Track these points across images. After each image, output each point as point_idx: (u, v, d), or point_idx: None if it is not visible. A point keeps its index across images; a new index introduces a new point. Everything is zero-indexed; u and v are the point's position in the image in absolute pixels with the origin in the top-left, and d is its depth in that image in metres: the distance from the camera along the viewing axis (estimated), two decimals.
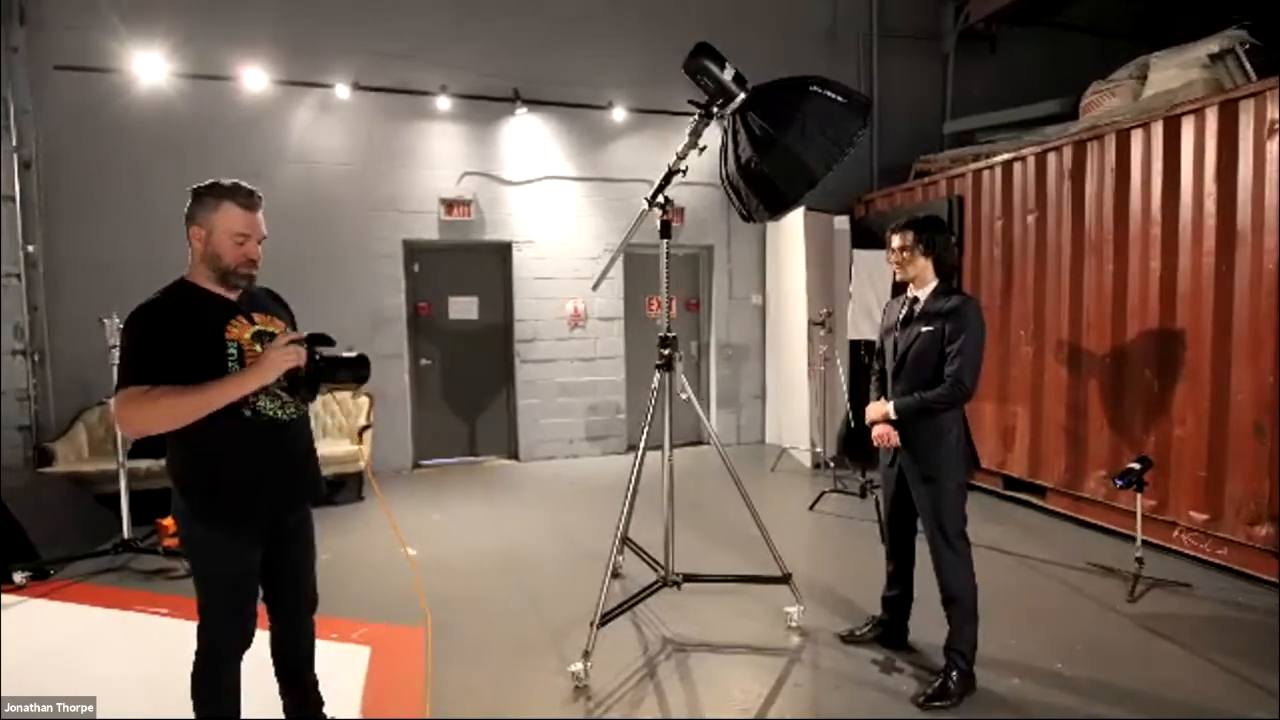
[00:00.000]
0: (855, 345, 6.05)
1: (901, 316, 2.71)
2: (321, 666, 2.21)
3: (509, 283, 6.51)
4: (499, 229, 6.39)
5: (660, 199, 2.83)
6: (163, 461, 1.94)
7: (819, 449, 6.04)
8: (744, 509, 3.12)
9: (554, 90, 6.38)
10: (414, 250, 6.31)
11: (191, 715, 1.92)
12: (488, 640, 3.03)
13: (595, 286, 3.31)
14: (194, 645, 1.90)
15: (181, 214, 1.85)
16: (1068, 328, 4.53)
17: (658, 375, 3.01)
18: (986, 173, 5.20)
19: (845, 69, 7.04)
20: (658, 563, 3.16)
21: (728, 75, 2.50)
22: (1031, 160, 4.78)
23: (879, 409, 2.68)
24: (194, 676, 1.90)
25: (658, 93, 6.45)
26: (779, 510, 4.87)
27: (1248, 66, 4.07)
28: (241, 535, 1.86)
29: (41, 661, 2.88)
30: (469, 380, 6.60)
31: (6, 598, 3.48)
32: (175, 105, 5.51)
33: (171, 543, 3.84)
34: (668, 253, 3.01)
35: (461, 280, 6.53)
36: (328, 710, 2.21)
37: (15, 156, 5.22)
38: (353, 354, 1.89)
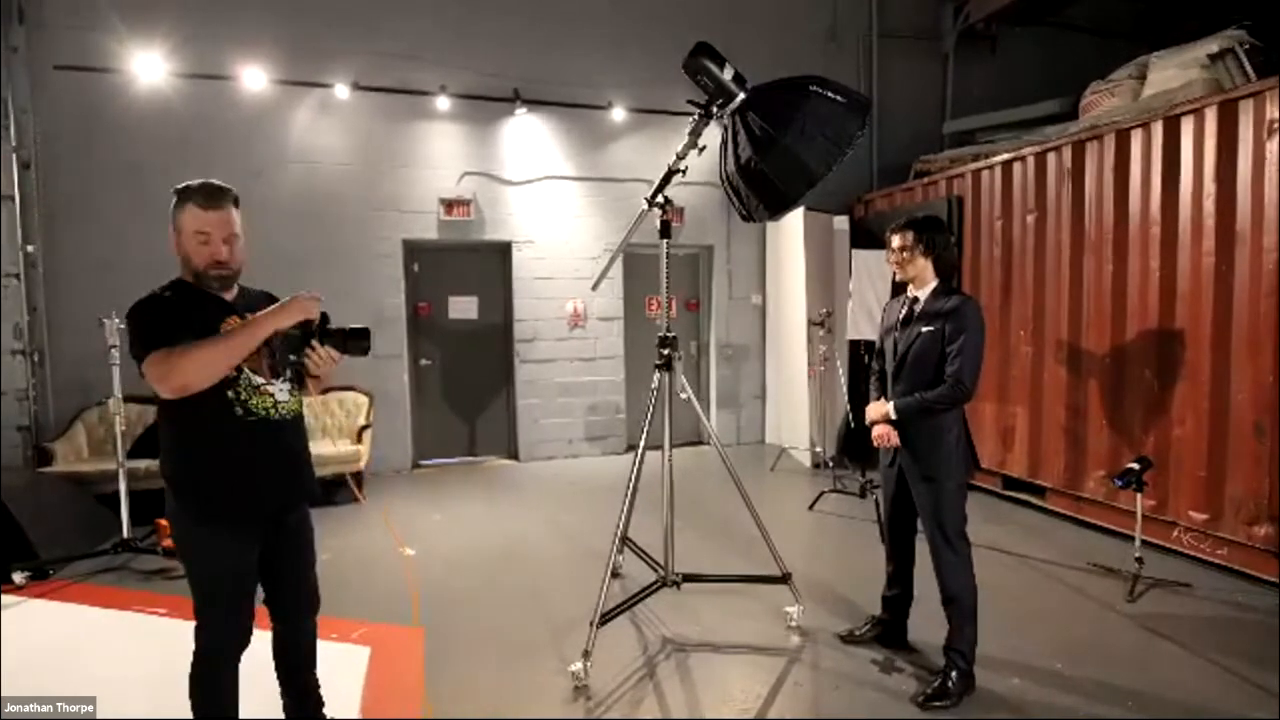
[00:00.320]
0: (855, 345, 6.05)
1: (901, 317, 2.71)
2: (321, 666, 2.21)
3: (509, 283, 6.51)
4: (499, 229, 6.39)
5: (660, 199, 2.83)
6: None
7: (819, 449, 6.04)
8: (744, 509, 3.12)
9: (554, 90, 6.38)
10: (414, 250, 6.31)
11: (190, 716, 1.92)
12: (488, 640, 3.03)
13: (595, 286, 3.31)
14: (193, 645, 1.90)
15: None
16: (1067, 327, 4.53)
17: (657, 375, 3.01)
18: (986, 173, 5.20)
19: (845, 69, 7.04)
20: (657, 563, 3.16)
21: (727, 75, 2.49)
22: (1031, 160, 4.78)
23: (879, 409, 2.68)
24: (191, 677, 1.90)
25: (657, 93, 6.45)
26: (779, 510, 4.87)
27: (1247, 66, 4.07)
28: (235, 534, 1.86)
29: (41, 661, 2.87)
30: (469, 380, 6.60)
31: (6, 598, 3.48)
32: (175, 105, 5.51)
33: (170, 543, 3.83)
34: (667, 253, 3.01)
35: (461, 280, 6.53)
36: (328, 710, 2.21)
37: (15, 156, 5.21)
38: (359, 326, 1.90)
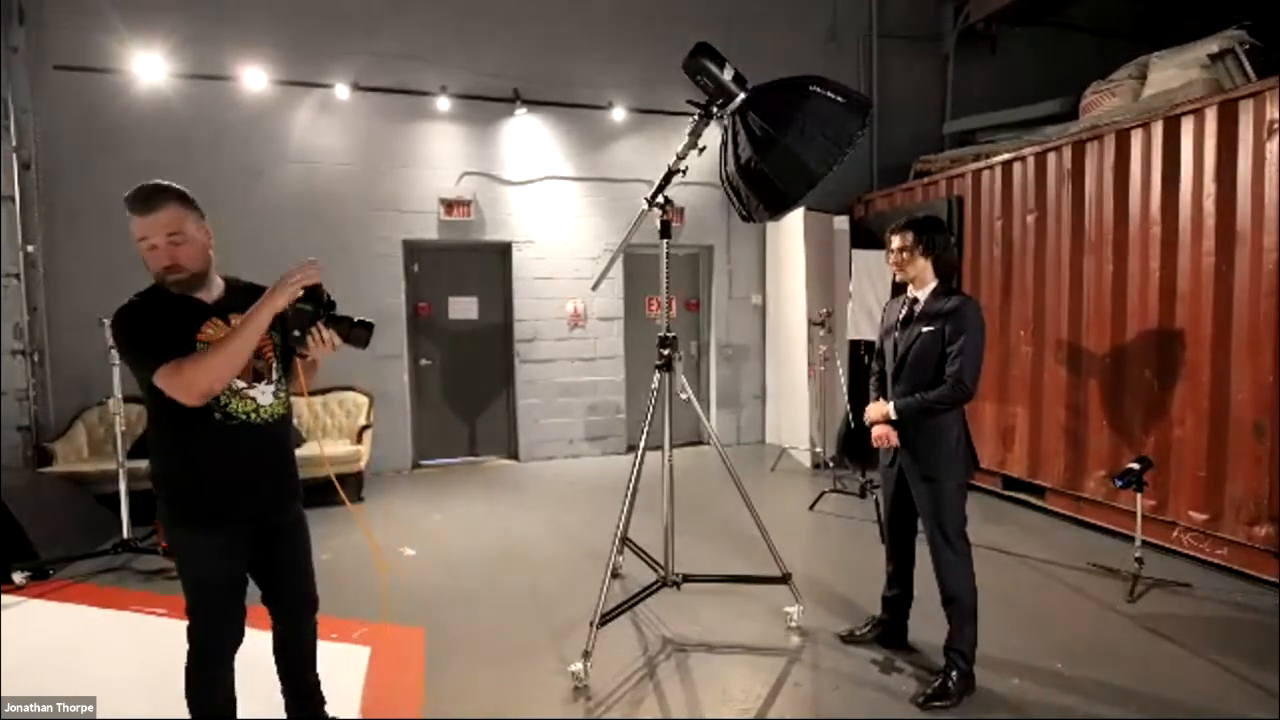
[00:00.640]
0: (855, 345, 6.06)
1: (901, 317, 2.71)
2: (321, 666, 2.21)
3: (509, 283, 6.51)
4: (499, 229, 6.39)
5: (660, 199, 2.83)
6: None
7: (819, 449, 6.04)
8: (744, 509, 3.12)
9: (554, 90, 6.37)
10: (414, 250, 6.31)
11: (188, 716, 1.92)
12: (488, 640, 3.03)
13: (595, 286, 3.31)
14: (187, 646, 1.91)
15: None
16: (1067, 327, 4.53)
17: (657, 375, 3.01)
18: (986, 173, 5.20)
19: (845, 69, 7.04)
20: (657, 563, 3.16)
21: (727, 75, 2.49)
22: (1031, 160, 4.78)
23: (879, 410, 2.68)
24: (187, 677, 1.90)
25: (657, 93, 6.45)
26: (779, 510, 4.87)
27: (1247, 66, 4.07)
28: (224, 536, 1.86)
29: (41, 661, 2.88)
30: (469, 380, 6.60)
31: (6, 598, 3.48)
32: (176, 105, 5.51)
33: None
34: (667, 253, 3.01)
35: (461, 280, 6.53)
36: (329, 709, 2.21)
37: (15, 157, 5.21)
38: (367, 319, 1.90)
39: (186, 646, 1.90)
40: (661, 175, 2.77)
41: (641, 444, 2.92)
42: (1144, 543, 3.54)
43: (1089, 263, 4.38)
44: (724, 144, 2.66)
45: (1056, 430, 4.60)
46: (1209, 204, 3.68)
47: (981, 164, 5.26)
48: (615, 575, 3.52)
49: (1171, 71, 4.48)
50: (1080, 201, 4.43)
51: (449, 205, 6.19)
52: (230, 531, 1.87)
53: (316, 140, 5.91)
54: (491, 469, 6.44)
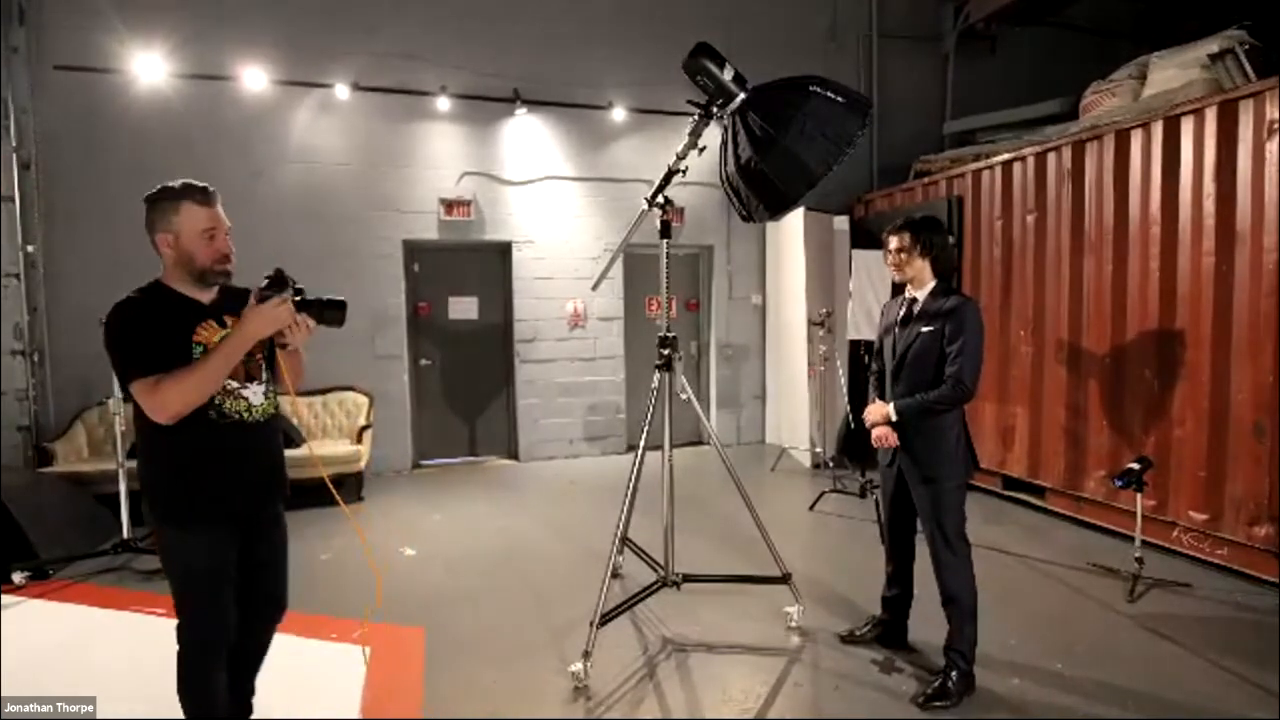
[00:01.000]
0: (855, 345, 6.05)
1: (900, 316, 2.71)
2: (321, 666, 2.21)
3: (509, 283, 6.51)
4: (499, 229, 6.39)
5: (660, 199, 2.83)
6: None
7: (819, 449, 6.04)
8: (744, 509, 3.12)
9: (554, 90, 6.37)
10: (414, 250, 6.31)
11: (161, 715, 1.94)
12: (488, 640, 3.03)
13: (595, 286, 3.31)
14: (177, 646, 1.91)
15: None
16: (1067, 327, 4.53)
17: (657, 375, 3.01)
18: (986, 173, 5.20)
19: (845, 69, 7.04)
20: (657, 563, 3.16)
21: (727, 75, 2.50)
22: (1031, 160, 4.78)
23: (879, 411, 2.67)
24: (179, 677, 1.90)
25: (657, 93, 6.44)
26: (779, 510, 4.87)
27: (1247, 67, 4.06)
28: (214, 532, 1.87)
29: (41, 661, 2.88)
30: (469, 380, 6.60)
31: (6, 598, 3.48)
32: (175, 105, 5.51)
33: None
34: (667, 253, 3.01)
35: (461, 280, 6.53)
36: (329, 709, 2.20)
37: (15, 157, 5.21)
38: (336, 297, 1.93)
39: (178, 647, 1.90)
40: (661, 175, 2.78)
41: (641, 444, 2.92)
42: (1144, 543, 3.54)
43: (1089, 263, 4.38)
44: (724, 144, 2.66)
45: (1056, 430, 4.59)
46: (1209, 204, 3.68)
47: (981, 164, 5.26)
48: (615, 575, 3.52)
49: (1171, 71, 4.48)
50: (1080, 201, 4.43)
51: (449, 205, 6.19)
52: (219, 528, 1.88)
53: (316, 140, 5.91)
54: (491, 469, 6.44)
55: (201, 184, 1.85)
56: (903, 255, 2.65)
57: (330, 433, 5.62)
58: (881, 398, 2.76)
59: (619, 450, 6.78)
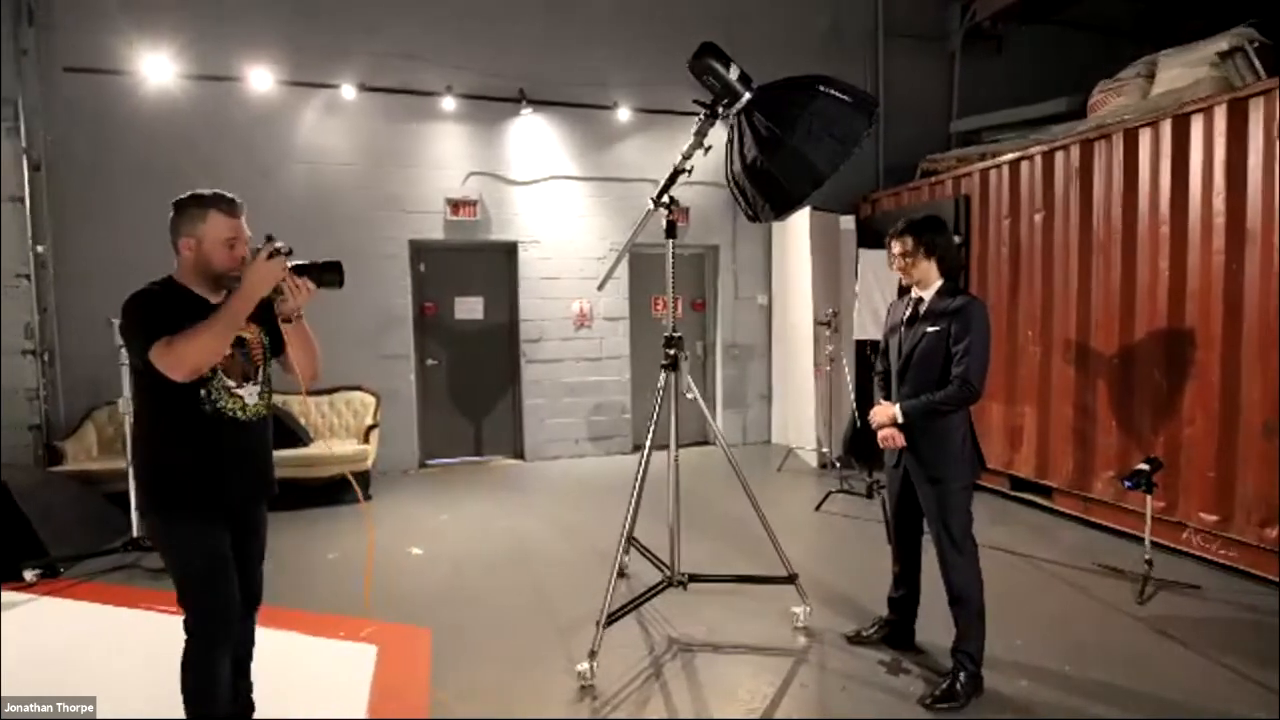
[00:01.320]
0: (861, 345, 6.03)
1: (906, 316, 2.70)
2: (328, 665, 2.22)
3: (514, 283, 6.52)
4: (504, 229, 6.40)
5: (665, 199, 2.83)
6: None
7: (825, 449, 6.03)
8: (750, 509, 3.12)
9: (559, 90, 6.38)
10: (420, 250, 6.32)
11: (165, 716, 1.95)
12: (494, 639, 3.04)
13: (601, 286, 3.32)
14: (184, 637, 1.94)
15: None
16: (1075, 327, 4.51)
17: (663, 375, 3.01)
18: (993, 172, 5.17)
19: (851, 68, 7.01)
20: (663, 563, 3.16)
21: (733, 75, 2.50)
22: (1039, 159, 4.76)
23: (885, 412, 2.66)
24: (183, 667, 1.93)
25: (663, 93, 6.44)
26: (785, 510, 4.86)
27: (1257, 65, 4.04)
28: (203, 522, 1.91)
29: (52, 659, 2.89)
30: (475, 380, 6.62)
31: (17, 595, 3.51)
32: (183, 106, 5.54)
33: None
34: (673, 253, 3.01)
35: (467, 280, 6.54)
36: (336, 708, 2.21)
37: (25, 158, 5.25)
38: (331, 260, 1.98)
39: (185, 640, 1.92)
40: (667, 175, 2.77)
41: (647, 444, 2.92)
42: (1153, 544, 3.52)
43: (1097, 262, 4.36)
44: (730, 143, 2.66)
45: (1064, 430, 4.57)
46: (1219, 202, 3.66)
47: (988, 163, 5.24)
48: (621, 575, 3.51)
49: (1180, 70, 4.45)
50: (1088, 201, 4.41)
51: (455, 205, 6.21)
52: (210, 519, 1.93)
53: (322, 140, 5.94)
54: (497, 468, 6.46)
55: (230, 195, 1.93)
56: (908, 259, 2.64)
57: (338, 432, 5.64)
58: (887, 398, 2.75)
59: (624, 450, 6.78)
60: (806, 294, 6.22)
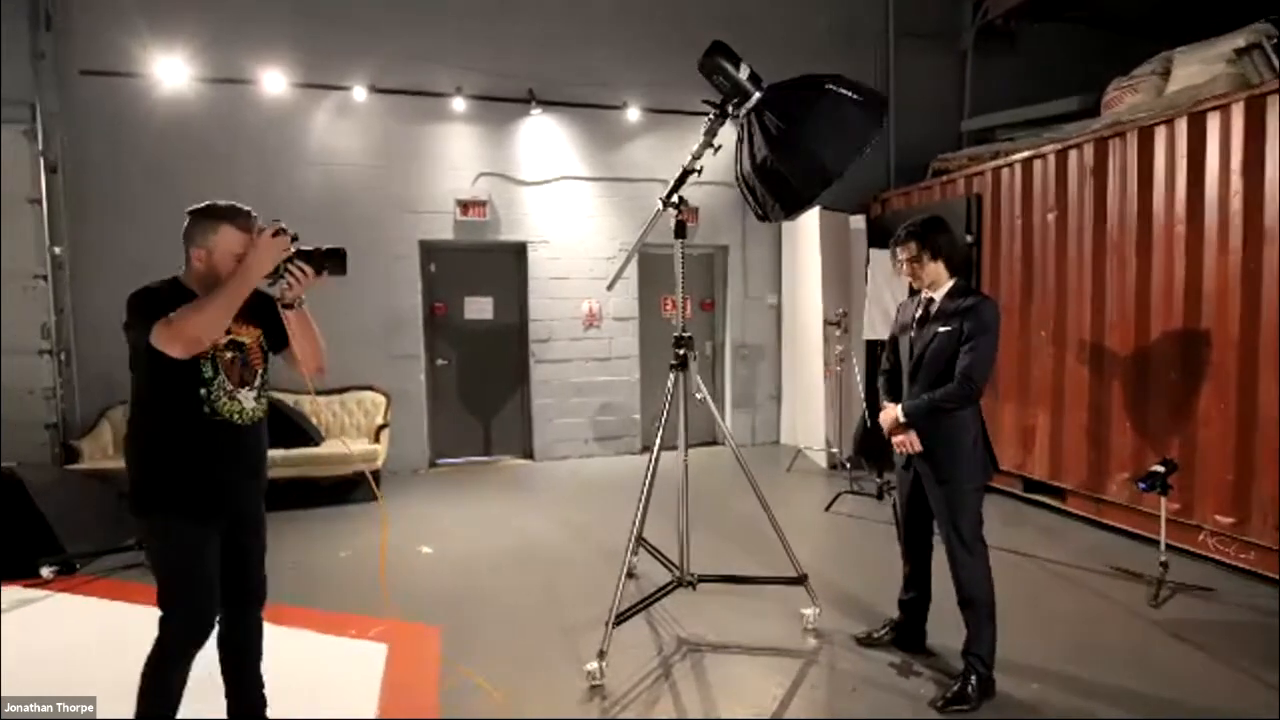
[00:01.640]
0: (871, 345, 6.01)
1: (917, 317, 2.68)
2: (339, 664, 2.23)
3: (524, 283, 6.54)
4: (514, 229, 6.42)
5: (675, 199, 2.83)
6: None
7: (835, 450, 6.00)
8: (759, 510, 3.11)
9: (569, 91, 6.39)
10: (430, 250, 6.35)
11: (186, 716, 1.94)
12: (504, 638, 3.05)
13: (610, 286, 3.32)
14: (157, 634, 1.93)
15: None
16: (1089, 328, 4.46)
17: (673, 375, 3.00)
18: (1006, 171, 5.13)
19: (862, 67, 6.98)
20: (673, 563, 3.16)
21: (743, 74, 2.49)
22: (1052, 158, 4.72)
23: (888, 416, 2.65)
24: (147, 665, 1.92)
25: (672, 92, 6.43)
26: (795, 511, 4.84)
27: (1275, 61, 3.98)
28: (195, 524, 1.91)
29: (68, 656, 2.93)
30: (484, 380, 6.64)
31: (34, 592, 3.56)
32: (197, 108, 5.60)
33: None
34: (683, 253, 3.01)
35: (477, 280, 6.56)
36: (347, 706, 2.22)
37: (42, 160, 5.32)
38: (335, 246, 1.99)
39: (157, 635, 1.91)
40: (677, 175, 2.77)
41: (656, 444, 2.92)
42: (1168, 546, 3.48)
43: (1112, 262, 4.31)
44: (739, 143, 2.65)
45: (1078, 432, 4.53)
46: (1236, 201, 3.61)
47: (1001, 162, 5.19)
48: (630, 575, 3.52)
49: (1195, 67, 4.40)
50: (1102, 200, 4.36)
51: (465, 205, 6.23)
52: (201, 521, 1.92)
53: (334, 142, 5.98)
54: (506, 468, 6.48)
55: (245, 208, 1.95)
56: (914, 265, 2.63)
57: (349, 431, 5.68)
58: (893, 398, 2.74)
59: (633, 450, 6.78)
60: (816, 294, 6.20)
